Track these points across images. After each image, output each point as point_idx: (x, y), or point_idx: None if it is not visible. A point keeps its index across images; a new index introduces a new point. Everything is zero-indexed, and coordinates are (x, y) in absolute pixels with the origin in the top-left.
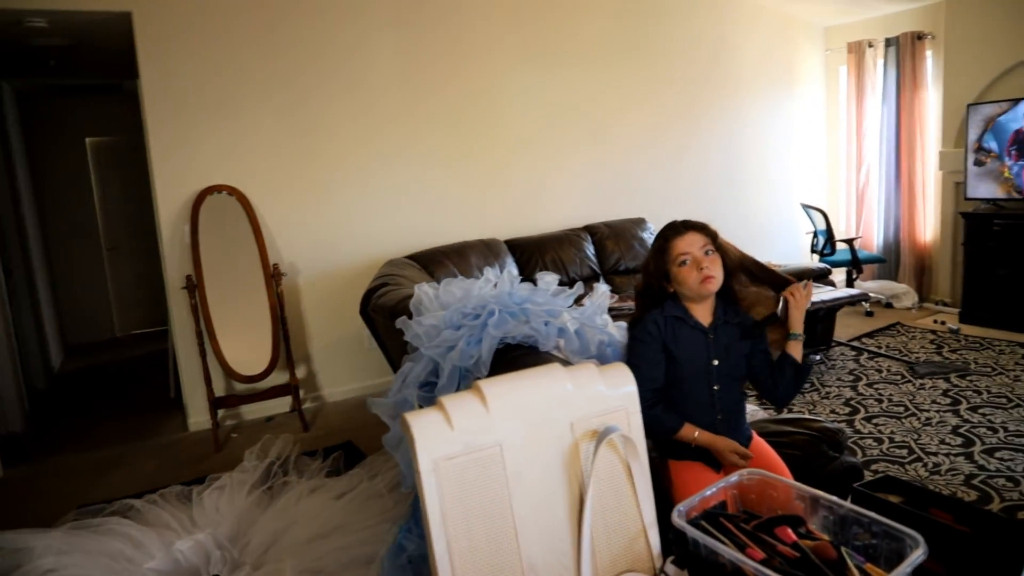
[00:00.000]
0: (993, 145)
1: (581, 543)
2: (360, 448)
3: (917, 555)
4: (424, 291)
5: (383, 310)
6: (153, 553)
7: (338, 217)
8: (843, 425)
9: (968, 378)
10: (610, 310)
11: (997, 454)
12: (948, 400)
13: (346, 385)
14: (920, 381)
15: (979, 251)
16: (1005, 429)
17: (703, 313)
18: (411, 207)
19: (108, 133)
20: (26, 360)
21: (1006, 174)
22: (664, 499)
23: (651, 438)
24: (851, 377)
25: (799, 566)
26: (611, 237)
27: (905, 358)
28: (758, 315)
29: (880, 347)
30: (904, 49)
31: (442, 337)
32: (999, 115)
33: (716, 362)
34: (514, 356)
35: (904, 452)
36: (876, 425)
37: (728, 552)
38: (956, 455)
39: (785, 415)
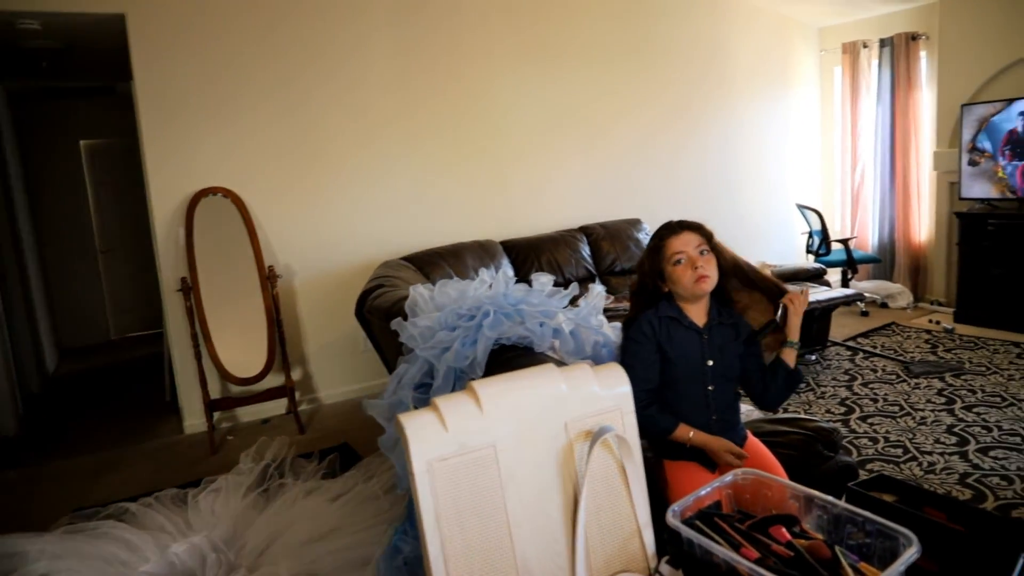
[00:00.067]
0: (987, 145)
1: (576, 543)
2: (356, 450)
3: (910, 553)
4: (419, 292)
5: (378, 312)
6: (148, 556)
7: (333, 219)
8: (838, 425)
9: (963, 377)
10: (605, 311)
11: (991, 453)
12: (943, 399)
13: (342, 387)
14: (915, 380)
15: (973, 251)
16: (999, 428)
17: (697, 313)
18: (407, 209)
19: (102, 135)
20: (20, 363)
21: (1000, 174)
22: (660, 499)
23: (646, 438)
24: (846, 377)
25: (793, 565)
26: (607, 238)
27: (900, 358)
28: (752, 319)
29: (875, 347)
30: (898, 50)
31: (437, 338)
32: (993, 115)
33: (711, 362)
34: (509, 357)
35: (899, 451)
36: (871, 424)
37: (722, 552)
38: (951, 454)
39: (780, 415)
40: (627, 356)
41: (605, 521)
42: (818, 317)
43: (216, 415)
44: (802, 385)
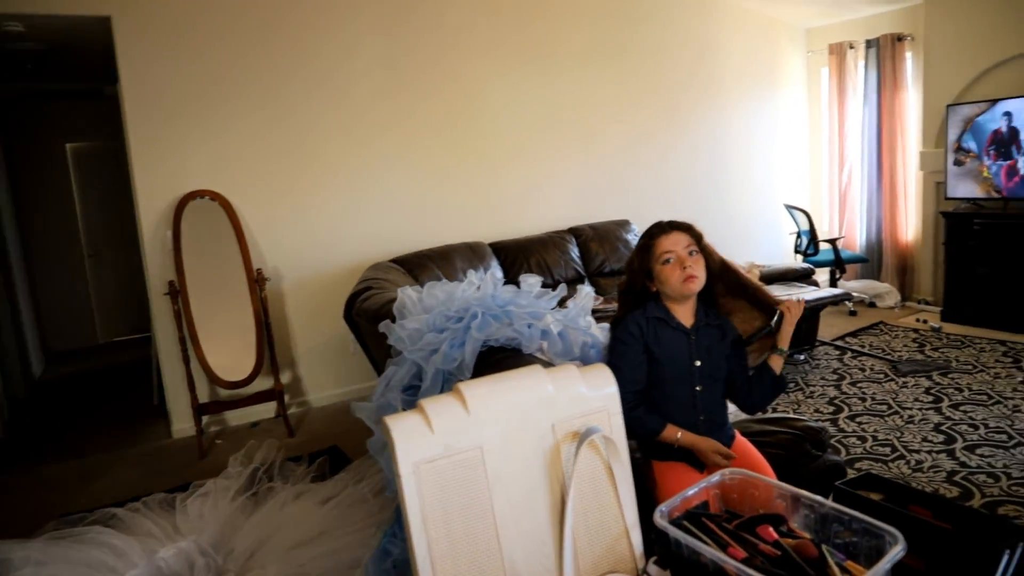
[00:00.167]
0: (972, 145)
1: (563, 545)
2: (345, 453)
3: (896, 551)
4: (407, 295)
5: (367, 314)
6: (135, 561)
7: (322, 221)
8: (827, 424)
9: (950, 376)
10: (594, 312)
11: (978, 451)
12: (930, 398)
13: (331, 390)
14: (903, 379)
15: (960, 250)
16: (986, 426)
17: (685, 314)
18: (395, 211)
19: (88, 138)
20: (5, 367)
21: (985, 174)
22: (648, 500)
23: (634, 439)
24: (835, 376)
25: (780, 564)
26: (595, 239)
27: (888, 357)
28: (738, 324)
29: (863, 346)
30: (884, 51)
31: (425, 340)
32: (977, 115)
33: (698, 363)
34: (497, 359)
35: (887, 450)
36: (860, 423)
37: (710, 552)
38: (938, 452)
39: (768, 415)
40: (614, 357)
41: (593, 522)
42: (806, 317)
43: (204, 419)
44: (791, 385)
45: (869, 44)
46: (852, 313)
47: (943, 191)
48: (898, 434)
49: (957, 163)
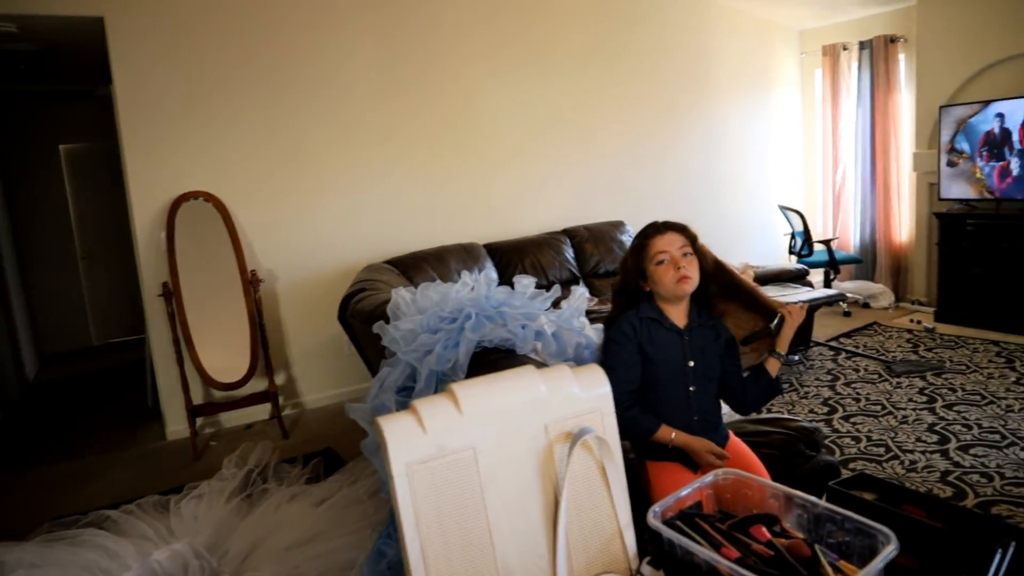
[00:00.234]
0: (965, 146)
1: (557, 545)
2: (340, 454)
3: (889, 551)
4: (401, 295)
5: (361, 315)
6: (129, 564)
7: (316, 222)
8: (821, 424)
9: (943, 376)
10: (589, 312)
11: (971, 451)
12: (924, 398)
13: (326, 391)
14: (897, 380)
15: (953, 251)
16: (979, 426)
17: (678, 315)
18: (390, 212)
19: (82, 139)
20: None
21: (978, 175)
22: (642, 500)
23: (628, 440)
24: (829, 377)
25: (773, 564)
26: (590, 240)
27: (882, 357)
28: (730, 326)
29: (857, 347)
30: (877, 52)
31: (419, 341)
32: (970, 117)
33: (692, 363)
34: (491, 360)
35: (881, 450)
36: (854, 424)
37: (703, 552)
38: (932, 452)
39: (763, 415)
40: (608, 358)
41: (586, 522)
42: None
43: (199, 421)
44: (785, 386)
45: (862, 46)
46: (846, 314)
47: (936, 192)
48: (892, 434)
49: (950, 164)
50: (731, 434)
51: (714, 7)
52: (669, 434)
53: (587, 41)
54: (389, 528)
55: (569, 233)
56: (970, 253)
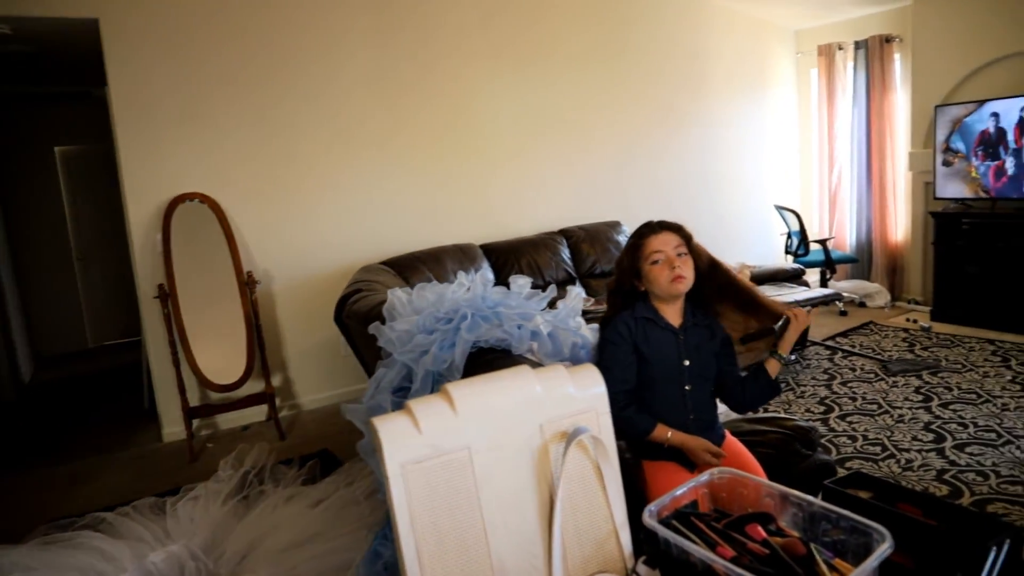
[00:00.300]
0: (960, 146)
1: (552, 545)
2: (336, 455)
3: (883, 548)
4: (397, 296)
5: (357, 316)
6: (125, 566)
7: (313, 223)
8: (818, 423)
9: (939, 375)
10: (585, 312)
11: (967, 449)
12: (920, 397)
13: (322, 392)
14: (893, 379)
15: (949, 250)
16: (975, 424)
17: (673, 314)
18: (386, 213)
19: (77, 141)
20: None
21: (973, 174)
22: (639, 500)
23: (624, 439)
24: (826, 376)
25: (769, 563)
26: (586, 240)
27: (878, 356)
28: (726, 325)
29: (854, 346)
30: (873, 52)
31: (415, 342)
32: (965, 116)
33: (687, 362)
34: (487, 360)
35: (877, 449)
36: (850, 423)
37: (699, 551)
38: (928, 451)
39: (759, 414)
40: (604, 358)
41: (581, 522)
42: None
43: (195, 423)
44: (781, 385)
45: (858, 45)
46: (842, 313)
47: (932, 191)
48: (888, 433)
49: (945, 163)
50: (727, 433)
51: (710, 7)
52: (665, 433)
53: (584, 42)
54: (385, 529)
55: (565, 233)
56: (966, 252)
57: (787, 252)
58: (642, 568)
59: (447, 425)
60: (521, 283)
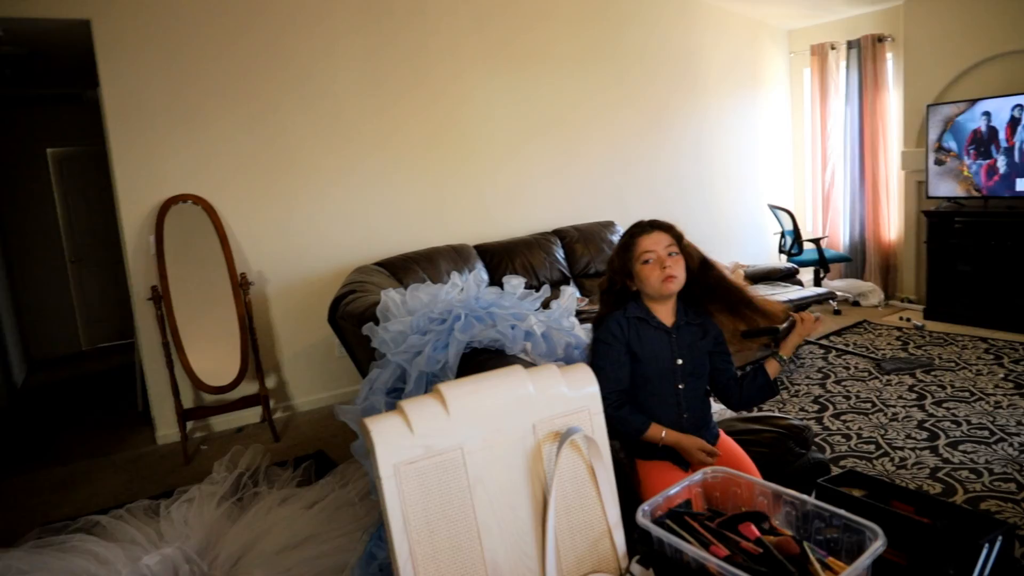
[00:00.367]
0: (952, 144)
1: (546, 545)
2: (331, 457)
3: (876, 546)
4: (391, 297)
5: (351, 317)
6: (119, 569)
7: (306, 225)
8: (812, 422)
9: (933, 373)
10: (579, 313)
11: (960, 447)
12: (914, 395)
13: (317, 394)
14: (887, 377)
15: (941, 248)
16: (968, 422)
17: (665, 313)
18: (380, 214)
19: (70, 143)
20: None
21: (965, 173)
22: (633, 499)
23: (618, 439)
24: (819, 375)
25: (762, 561)
26: (580, 240)
27: (872, 355)
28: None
29: (848, 345)
30: (865, 51)
31: (409, 343)
32: (957, 115)
33: (680, 361)
34: (481, 360)
35: (871, 447)
36: (844, 421)
37: (692, 550)
38: (922, 449)
39: (753, 413)
40: (597, 358)
41: (575, 522)
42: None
43: (189, 425)
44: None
45: (850, 45)
46: (836, 312)
47: (924, 190)
48: (882, 431)
49: (938, 162)
50: (721, 432)
51: (703, 7)
52: (659, 432)
53: (576, 43)
54: (380, 530)
55: (559, 233)
56: (958, 250)
57: (781, 251)
58: (636, 568)
59: (440, 425)
60: (515, 283)
